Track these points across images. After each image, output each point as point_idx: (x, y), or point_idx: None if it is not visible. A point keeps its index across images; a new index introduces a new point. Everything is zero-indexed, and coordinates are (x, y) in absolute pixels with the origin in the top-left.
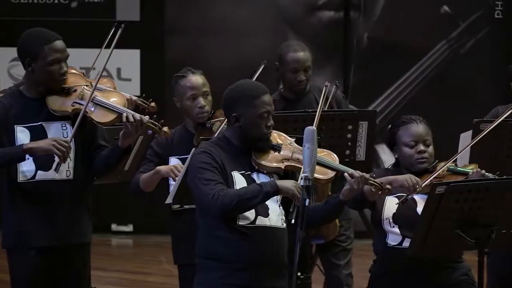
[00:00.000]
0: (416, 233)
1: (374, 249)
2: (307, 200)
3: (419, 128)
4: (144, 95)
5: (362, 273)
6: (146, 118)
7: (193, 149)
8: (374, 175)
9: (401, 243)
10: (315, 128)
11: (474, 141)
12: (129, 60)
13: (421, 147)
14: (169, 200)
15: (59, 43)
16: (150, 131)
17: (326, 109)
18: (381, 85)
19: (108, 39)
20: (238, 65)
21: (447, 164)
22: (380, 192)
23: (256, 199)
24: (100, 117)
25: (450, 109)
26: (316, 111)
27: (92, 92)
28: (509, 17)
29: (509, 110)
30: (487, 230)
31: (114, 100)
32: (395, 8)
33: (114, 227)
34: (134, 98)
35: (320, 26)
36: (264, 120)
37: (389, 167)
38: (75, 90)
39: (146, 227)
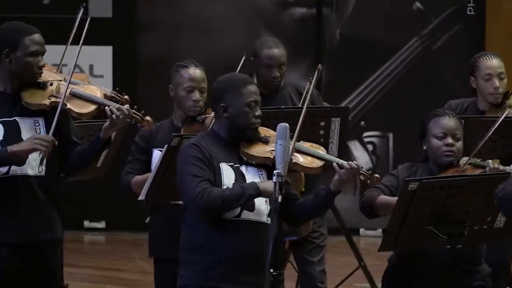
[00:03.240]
0: (388, 228)
1: None
2: (281, 197)
3: (450, 121)
4: (117, 88)
5: (335, 269)
6: (127, 107)
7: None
8: (398, 171)
9: None
10: (287, 125)
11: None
12: (101, 57)
13: (450, 140)
14: (141, 196)
15: (39, 36)
16: (133, 121)
17: (299, 105)
18: (354, 81)
19: (82, 34)
20: (211, 61)
21: (471, 157)
22: (369, 181)
23: (239, 201)
24: (79, 108)
25: (422, 105)
26: (289, 108)
27: (68, 83)
28: (481, 13)
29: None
30: (459, 226)
31: (91, 92)
32: (368, 4)
33: (86, 223)
34: (107, 90)
35: (293, 22)
36: (252, 109)
37: (416, 163)
38: (51, 84)
39: (118, 224)
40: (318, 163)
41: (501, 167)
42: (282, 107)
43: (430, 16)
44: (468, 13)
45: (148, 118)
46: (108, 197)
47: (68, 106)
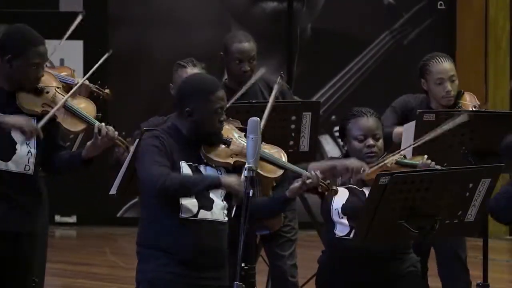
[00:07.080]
0: (359, 223)
1: (322, 239)
2: (251, 191)
3: (369, 121)
4: (99, 82)
5: (307, 263)
6: (116, 134)
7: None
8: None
9: (348, 234)
10: (258, 119)
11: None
12: (72, 51)
13: (370, 141)
14: (113, 191)
15: (44, 48)
16: (117, 148)
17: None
18: (325, 75)
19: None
20: (182, 56)
21: (396, 156)
22: (326, 192)
23: (197, 187)
24: (69, 124)
25: (393, 100)
26: (259, 103)
27: (65, 101)
28: (451, 8)
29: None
30: (430, 220)
31: (84, 108)
32: None
33: (57, 218)
34: (90, 84)
35: (264, 16)
36: (218, 115)
37: (339, 158)
38: (48, 92)
39: (89, 218)
40: (278, 172)
41: (429, 161)
42: (253, 101)
43: (401, 11)
44: (439, 7)
45: (131, 148)
46: (79, 191)
47: (58, 120)
